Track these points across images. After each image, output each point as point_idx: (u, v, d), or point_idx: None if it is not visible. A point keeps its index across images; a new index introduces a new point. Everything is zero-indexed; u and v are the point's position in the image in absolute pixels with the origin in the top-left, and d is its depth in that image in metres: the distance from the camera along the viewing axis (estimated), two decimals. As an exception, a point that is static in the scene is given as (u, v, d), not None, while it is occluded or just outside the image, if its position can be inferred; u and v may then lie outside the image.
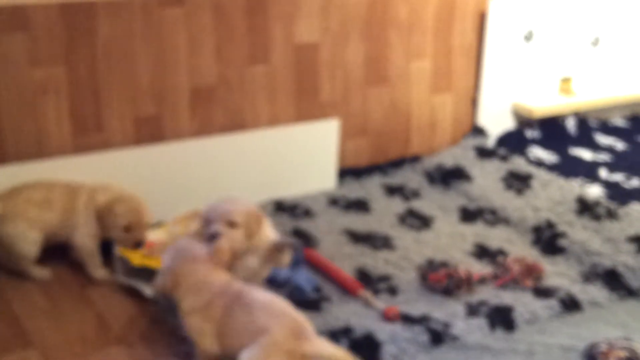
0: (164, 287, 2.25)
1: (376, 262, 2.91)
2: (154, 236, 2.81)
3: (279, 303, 2.15)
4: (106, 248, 2.83)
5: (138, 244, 2.74)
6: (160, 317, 2.55)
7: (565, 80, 4.08)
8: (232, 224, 2.49)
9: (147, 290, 2.64)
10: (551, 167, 3.59)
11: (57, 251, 2.89)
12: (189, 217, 2.93)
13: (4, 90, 2.82)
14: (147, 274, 2.66)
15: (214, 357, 2.18)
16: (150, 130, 3.12)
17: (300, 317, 2.10)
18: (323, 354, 1.99)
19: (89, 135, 3.01)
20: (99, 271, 2.79)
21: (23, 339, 2.44)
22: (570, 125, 4.05)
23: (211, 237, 2.45)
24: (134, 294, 2.68)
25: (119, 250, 2.75)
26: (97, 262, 2.79)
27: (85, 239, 2.77)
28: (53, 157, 2.94)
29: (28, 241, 2.72)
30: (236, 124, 3.30)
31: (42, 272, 2.78)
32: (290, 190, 3.40)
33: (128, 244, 2.74)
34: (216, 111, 3.24)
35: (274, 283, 2.69)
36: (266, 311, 2.10)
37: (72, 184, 2.81)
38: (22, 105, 2.87)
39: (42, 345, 2.41)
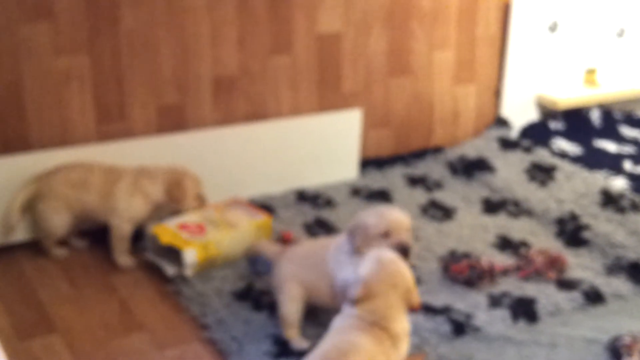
0: (357, 297, 2.03)
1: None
2: (188, 219, 2.83)
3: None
4: (136, 235, 2.88)
5: (203, 202, 2.92)
6: (183, 304, 2.56)
7: (590, 72, 4.05)
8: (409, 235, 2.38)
9: (170, 270, 2.68)
10: (575, 159, 3.57)
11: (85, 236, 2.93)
12: (226, 204, 2.96)
13: (29, 79, 2.84)
14: (173, 253, 2.70)
15: None
16: (172, 119, 3.13)
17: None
18: None
19: (112, 124, 3.03)
20: (124, 258, 2.81)
21: (47, 324, 2.47)
22: (595, 117, 4.02)
23: (400, 248, 2.26)
24: (156, 280, 2.71)
25: (152, 229, 2.78)
26: (125, 248, 2.82)
27: (122, 222, 2.79)
28: (77, 145, 2.96)
29: (57, 220, 2.79)
30: (258, 113, 3.30)
31: (60, 252, 2.86)
32: (312, 180, 3.41)
33: (198, 207, 2.90)
34: (238, 101, 3.25)
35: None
36: (337, 344, 1.96)
37: (113, 168, 2.84)
38: (46, 94, 2.89)
39: (65, 330, 2.44)
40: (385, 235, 2.29)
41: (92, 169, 2.82)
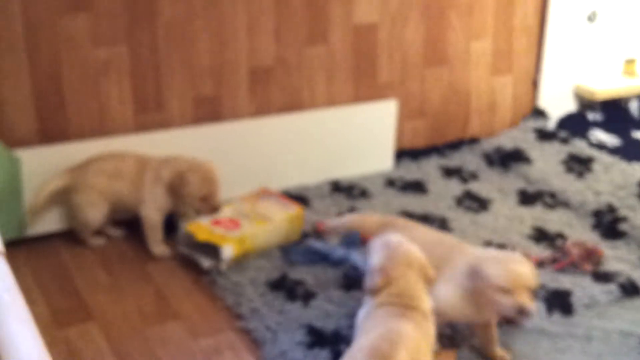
0: (377, 286, 2.06)
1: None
2: (221, 214, 2.83)
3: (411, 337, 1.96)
4: (170, 224, 2.90)
5: (215, 210, 2.77)
6: (218, 293, 2.58)
7: (630, 62, 4.01)
8: None
9: (206, 263, 2.69)
10: (613, 151, 3.54)
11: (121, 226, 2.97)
12: (257, 196, 2.98)
13: (68, 70, 2.88)
14: (210, 248, 2.70)
15: None
16: (208, 110, 3.15)
17: (394, 353, 1.90)
18: None
19: (149, 114, 3.05)
20: (159, 247, 2.84)
21: (84, 312, 2.50)
22: (634, 107, 3.98)
23: (519, 312, 2.09)
24: (191, 269, 2.73)
25: (186, 226, 2.79)
26: (158, 237, 2.84)
27: (150, 212, 2.82)
28: (115, 135, 2.99)
29: (93, 212, 2.82)
30: (294, 104, 3.31)
31: (97, 241, 2.89)
32: (347, 171, 3.41)
33: (205, 211, 2.77)
34: (274, 91, 3.26)
35: (330, 261, 2.71)
36: (383, 333, 1.95)
37: (144, 157, 2.86)
38: (85, 85, 2.92)
39: (101, 318, 2.47)
40: (506, 292, 2.08)
41: (124, 158, 2.85)
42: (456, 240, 2.38)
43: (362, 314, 2.08)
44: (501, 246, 2.84)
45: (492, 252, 2.27)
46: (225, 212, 2.85)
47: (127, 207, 2.85)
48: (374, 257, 2.11)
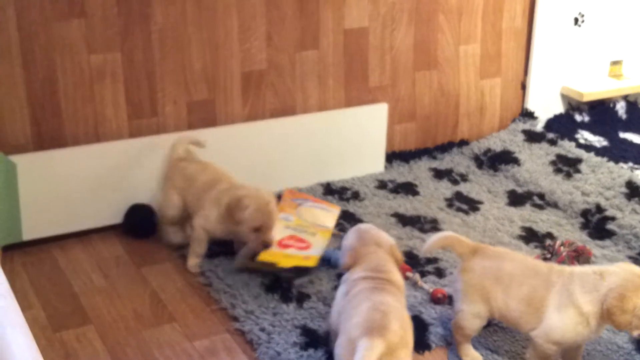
0: (346, 264, 2.26)
1: (424, 244, 2.93)
2: (277, 235, 2.78)
3: (387, 307, 2.05)
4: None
5: (266, 246, 2.65)
6: (213, 296, 2.61)
7: (615, 64, 4.05)
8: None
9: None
10: (601, 151, 3.57)
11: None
12: (289, 202, 2.99)
13: (63, 76, 2.90)
14: (267, 265, 2.67)
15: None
16: (202, 115, 3.18)
17: (388, 322, 1.99)
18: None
19: (143, 119, 3.08)
20: (192, 260, 2.79)
21: (81, 315, 2.52)
22: (620, 108, 4.02)
23: None
24: (186, 273, 2.76)
25: (258, 259, 2.66)
26: (197, 251, 2.78)
27: (200, 225, 2.75)
28: (109, 140, 3.01)
29: (168, 204, 2.89)
30: (287, 108, 3.34)
31: (174, 238, 2.93)
32: (340, 173, 3.44)
33: (256, 245, 2.64)
34: (267, 96, 3.29)
35: (328, 264, 2.75)
36: (371, 306, 2.03)
37: (223, 175, 2.84)
38: (79, 90, 2.94)
39: (98, 321, 2.49)
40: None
41: (206, 169, 2.87)
42: (547, 265, 2.26)
43: (341, 290, 2.22)
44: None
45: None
46: (281, 233, 2.77)
47: (189, 212, 2.86)
48: (346, 240, 2.31)
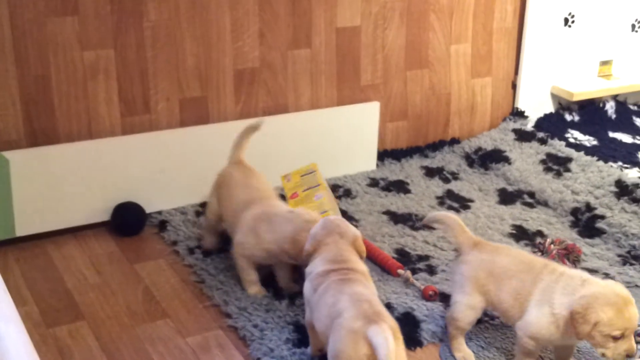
0: (307, 251, 2.28)
1: (415, 242, 2.95)
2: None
3: (368, 295, 2.07)
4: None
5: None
6: (206, 292, 2.62)
7: (605, 64, 4.08)
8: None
9: None
10: (590, 150, 3.59)
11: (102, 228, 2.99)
12: (304, 191, 2.98)
13: (56, 73, 2.91)
14: None
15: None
16: (195, 112, 3.19)
17: (379, 308, 2.01)
18: (378, 350, 1.90)
19: (136, 116, 3.09)
20: (252, 289, 2.63)
21: (74, 311, 2.53)
22: (610, 108, 4.04)
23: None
24: (179, 269, 2.77)
25: None
26: (252, 279, 2.63)
27: (238, 254, 2.62)
28: (102, 137, 3.02)
29: (210, 207, 2.80)
30: (279, 106, 3.35)
31: (212, 243, 2.84)
32: (332, 171, 3.46)
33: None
34: (259, 93, 3.30)
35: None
36: (351, 298, 2.04)
37: (265, 193, 2.69)
38: (72, 87, 2.95)
39: (91, 317, 2.50)
40: (616, 337, 2.04)
41: (248, 185, 2.72)
42: (543, 261, 2.26)
43: (307, 287, 2.19)
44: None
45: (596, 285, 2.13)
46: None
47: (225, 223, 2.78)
48: (313, 229, 2.31)
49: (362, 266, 2.22)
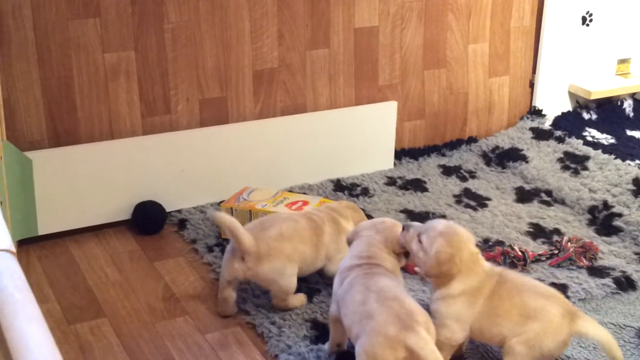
0: (347, 239, 2.34)
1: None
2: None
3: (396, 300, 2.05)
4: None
5: None
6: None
7: (623, 62, 4.07)
8: None
9: None
10: (608, 149, 3.58)
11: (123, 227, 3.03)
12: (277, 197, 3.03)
13: (78, 75, 2.95)
14: None
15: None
16: (214, 112, 3.22)
17: (408, 305, 2.00)
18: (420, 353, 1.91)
19: (157, 117, 3.13)
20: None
21: (95, 308, 2.57)
22: (628, 106, 4.03)
23: None
24: (198, 267, 2.79)
25: None
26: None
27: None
28: (123, 137, 3.06)
29: (287, 276, 2.49)
30: (297, 106, 3.38)
31: (300, 299, 2.57)
32: (350, 170, 3.48)
33: None
34: (278, 94, 3.33)
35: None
36: (378, 297, 2.02)
37: (312, 218, 2.61)
38: (94, 88, 2.99)
39: (112, 314, 2.54)
40: None
41: (298, 220, 2.58)
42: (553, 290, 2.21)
43: (336, 281, 2.23)
44: (499, 243, 2.91)
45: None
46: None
47: (312, 269, 2.63)
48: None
49: (388, 263, 2.21)
